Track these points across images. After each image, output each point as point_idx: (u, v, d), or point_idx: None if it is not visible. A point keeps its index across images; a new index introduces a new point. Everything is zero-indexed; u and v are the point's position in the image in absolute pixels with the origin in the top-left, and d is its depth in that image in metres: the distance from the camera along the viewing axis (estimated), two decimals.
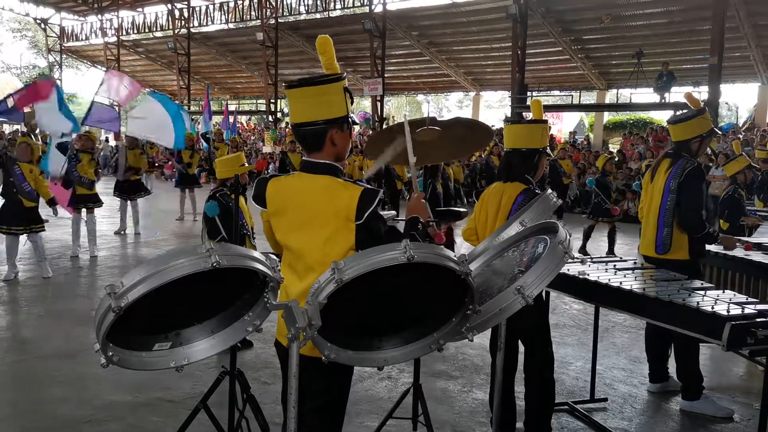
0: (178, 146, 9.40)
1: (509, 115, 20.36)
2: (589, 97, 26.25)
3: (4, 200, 7.36)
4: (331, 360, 1.86)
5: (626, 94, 21.99)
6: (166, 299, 1.59)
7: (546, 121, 3.79)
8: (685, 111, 4.35)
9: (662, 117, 23.82)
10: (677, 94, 18.21)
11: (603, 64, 23.18)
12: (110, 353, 1.60)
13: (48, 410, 4.02)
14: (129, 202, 10.79)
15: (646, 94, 20.14)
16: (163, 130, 8.55)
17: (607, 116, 25.84)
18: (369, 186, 2.15)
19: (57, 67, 37.48)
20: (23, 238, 7.38)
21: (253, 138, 28.95)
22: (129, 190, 10.74)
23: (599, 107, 24.19)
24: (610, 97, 23.72)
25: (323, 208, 2.14)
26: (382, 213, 2.19)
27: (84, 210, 8.80)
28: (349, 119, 2.24)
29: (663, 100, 18.63)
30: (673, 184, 4.09)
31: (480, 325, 2.00)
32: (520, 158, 3.54)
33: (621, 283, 3.34)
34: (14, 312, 6.24)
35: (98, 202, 8.96)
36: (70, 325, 5.74)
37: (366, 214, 2.08)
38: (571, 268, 3.76)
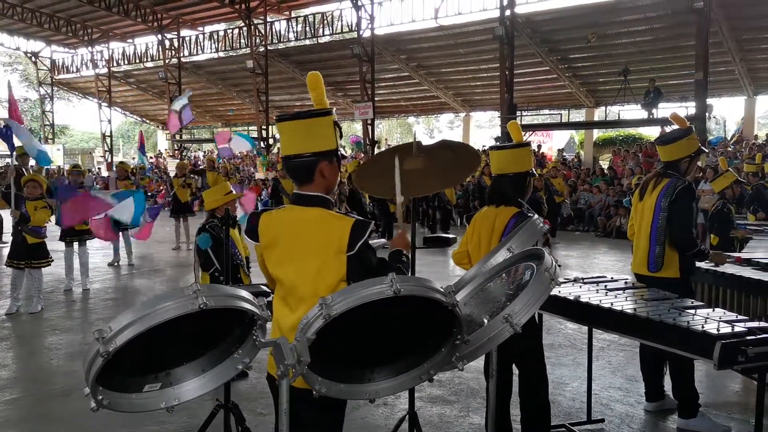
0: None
1: (499, 134, 20.49)
2: (578, 115, 26.49)
3: (13, 236, 7.50)
4: (322, 394, 1.86)
5: (615, 111, 22.23)
6: (155, 340, 1.60)
7: (529, 144, 3.87)
8: (672, 130, 4.39)
9: (651, 132, 24.06)
10: (664, 109, 18.42)
11: (590, 82, 23.44)
12: (100, 397, 1.60)
13: None
14: (121, 233, 10.77)
15: (634, 111, 20.37)
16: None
17: (597, 133, 26.06)
18: (360, 217, 2.17)
19: (48, 99, 37.64)
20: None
21: (245, 164, 29.01)
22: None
23: (588, 125, 24.40)
24: (598, 114, 23.95)
25: (315, 239, 2.16)
26: (372, 242, 2.22)
27: (76, 243, 8.80)
28: (338, 153, 2.27)
29: (651, 116, 18.83)
30: (664, 203, 4.12)
31: (470, 354, 2.01)
32: (509, 183, 3.60)
33: (612, 304, 3.36)
34: (7, 348, 6.20)
35: (90, 235, 8.95)
36: (65, 361, 5.70)
37: (358, 245, 2.10)
38: (563, 290, 3.78)
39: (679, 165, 4.21)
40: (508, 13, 19.35)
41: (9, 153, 8.83)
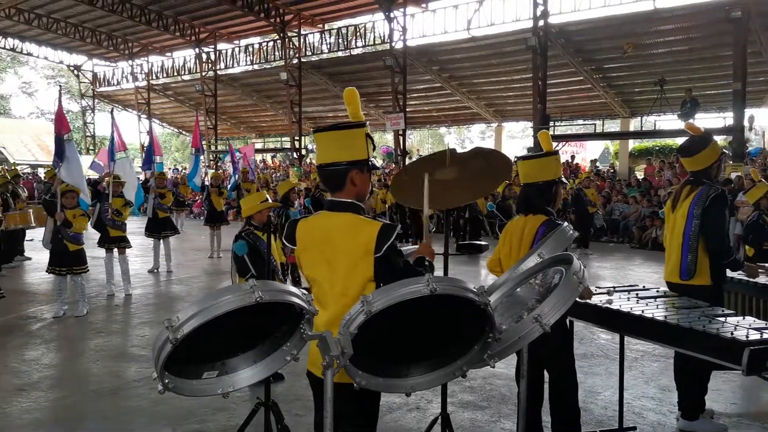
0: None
1: (532, 145, 20.46)
2: (613, 125, 26.21)
3: (53, 244, 7.83)
4: (362, 387, 1.99)
5: (651, 121, 21.97)
6: (214, 332, 1.76)
7: (557, 152, 3.94)
8: (694, 140, 4.40)
9: None
10: (702, 120, 18.19)
11: (626, 92, 23.21)
12: (166, 380, 1.76)
13: None
14: (161, 241, 11.11)
15: (671, 121, 20.11)
16: None
17: (633, 143, 25.78)
18: (387, 222, 2.32)
19: (89, 111, 38.79)
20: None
21: (278, 175, 29.45)
22: (159, 228, 11.05)
23: (622, 135, 24.16)
24: (634, 124, 23.68)
25: (346, 242, 2.31)
26: (402, 248, 2.35)
27: (115, 249, 9.13)
28: (370, 163, 2.42)
29: None
30: (697, 210, 4.13)
31: (501, 352, 2.12)
32: (537, 191, 3.68)
33: (643, 312, 3.42)
34: (56, 350, 6.48)
35: (127, 243, 9.27)
36: (110, 362, 5.94)
37: (385, 247, 2.25)
38: (594, 298, 3.85)
39: (710, 171, 4.26)
40: (541, 23, 19.36)
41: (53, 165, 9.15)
